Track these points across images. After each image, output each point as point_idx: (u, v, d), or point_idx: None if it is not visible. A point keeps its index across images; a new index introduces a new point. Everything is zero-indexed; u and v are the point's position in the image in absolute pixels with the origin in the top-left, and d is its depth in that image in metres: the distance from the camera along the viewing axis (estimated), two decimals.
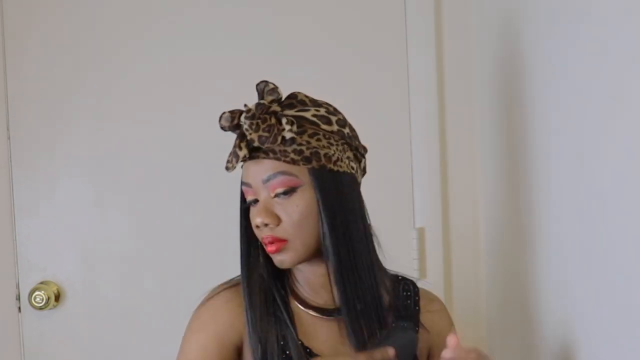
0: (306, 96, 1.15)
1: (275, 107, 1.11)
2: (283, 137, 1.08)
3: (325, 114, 1.13)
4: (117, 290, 1.81)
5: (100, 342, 1.81)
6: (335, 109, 1.17)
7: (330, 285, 1.14)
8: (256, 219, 1.11)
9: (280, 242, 1.11)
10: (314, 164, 1.10)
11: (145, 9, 1.81)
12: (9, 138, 1.80)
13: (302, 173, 1.10)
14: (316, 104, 1.15)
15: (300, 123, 1.11)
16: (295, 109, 1.13)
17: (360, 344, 1.12)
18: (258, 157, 1.11)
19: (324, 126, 1.12)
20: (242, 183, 1.14)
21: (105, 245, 1.81)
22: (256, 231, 1.13)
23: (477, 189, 1.79)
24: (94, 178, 1.82)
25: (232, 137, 1.13)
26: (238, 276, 1.19)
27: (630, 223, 0.94)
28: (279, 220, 1.11)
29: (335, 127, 1.13)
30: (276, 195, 1.10)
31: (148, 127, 1.81)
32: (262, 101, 1.10)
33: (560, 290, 1.21)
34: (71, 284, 1.81)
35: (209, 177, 1.76)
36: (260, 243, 1.15)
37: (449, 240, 1.81)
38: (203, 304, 1.17)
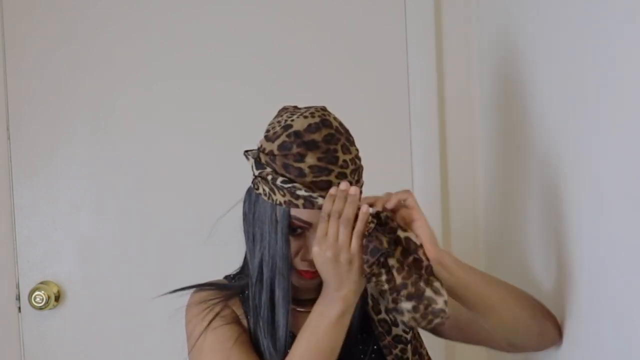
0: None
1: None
2: None
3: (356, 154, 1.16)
4: (117, 290, 1.81)
5: (100, 342, 1.81)
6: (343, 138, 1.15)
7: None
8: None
9: None
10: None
11: (146, 10, 1.81)
12: (9, 138, 1.80)
13: None
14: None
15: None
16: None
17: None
18: None
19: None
20: (297, 218, 1.10)
21: (105, 245, 1.81)
22: (304, 261, 1.14)
23: (477, 189, 1.79)
24: (93, 178, 1.81)
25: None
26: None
27: (629, 221, 0.95)
28: None
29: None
30: None
31: (148, 128, 1.81)
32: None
33: (560, 289, 1.21)
34: (71, 284, 1.81)
35: (209, 178, 1.76)
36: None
37: (449, 240, 1.81)
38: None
